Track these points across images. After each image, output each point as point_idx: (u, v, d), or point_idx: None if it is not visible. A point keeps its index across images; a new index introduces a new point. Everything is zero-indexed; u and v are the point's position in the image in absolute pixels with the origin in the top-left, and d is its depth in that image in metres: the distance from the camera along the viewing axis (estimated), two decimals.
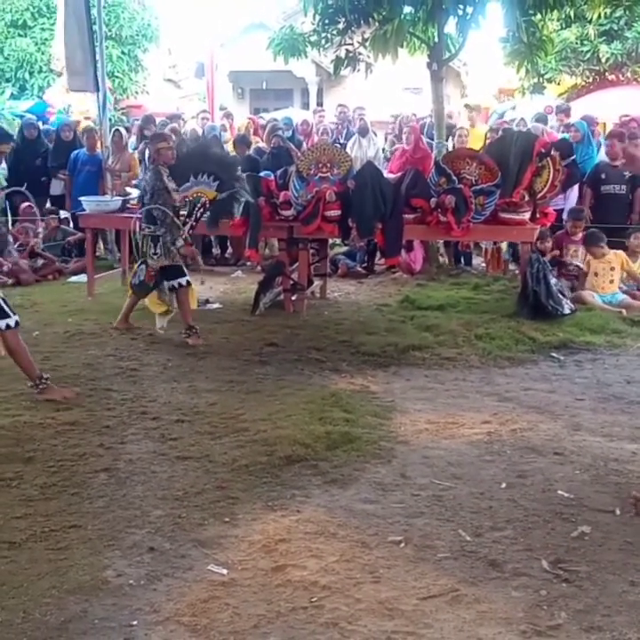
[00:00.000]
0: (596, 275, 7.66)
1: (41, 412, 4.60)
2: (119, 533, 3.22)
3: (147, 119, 10.96)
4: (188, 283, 6.35)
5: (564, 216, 8.70)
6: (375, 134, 11.46)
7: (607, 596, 2.79)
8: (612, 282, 7.62)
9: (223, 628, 2.61)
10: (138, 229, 6.37)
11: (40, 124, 11.61)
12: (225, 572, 2.94)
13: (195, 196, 6.46)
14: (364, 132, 10.93)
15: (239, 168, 6.93)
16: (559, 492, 3.62)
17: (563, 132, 9.75)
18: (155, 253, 6.21)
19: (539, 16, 9.20)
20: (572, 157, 7.44)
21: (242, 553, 3.08)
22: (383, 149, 11.25)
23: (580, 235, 8.06)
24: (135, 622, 2.63)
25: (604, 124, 11.11)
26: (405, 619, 2.66)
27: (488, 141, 9.68)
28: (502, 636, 2.57)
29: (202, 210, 6.48)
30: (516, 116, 11.74)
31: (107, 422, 4.48)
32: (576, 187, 8.72)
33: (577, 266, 7.88)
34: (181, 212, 6.36)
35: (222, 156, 7.03)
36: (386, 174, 8.70)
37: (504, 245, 8.60)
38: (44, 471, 3.80)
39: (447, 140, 9.52)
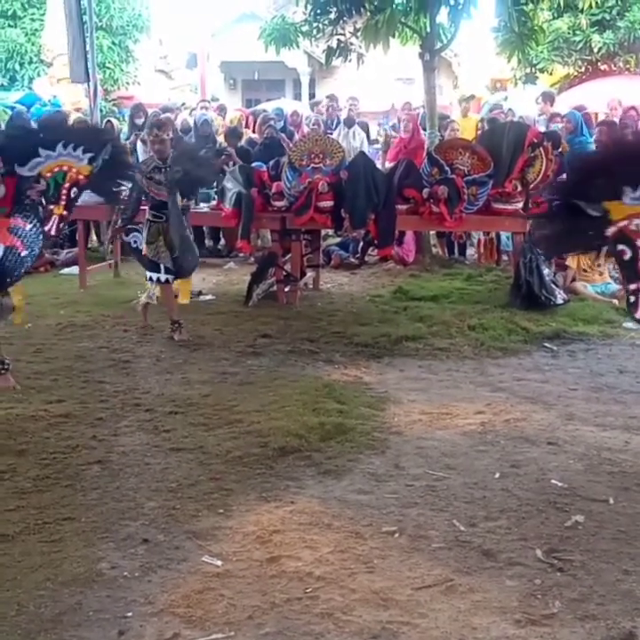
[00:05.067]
0: (584, 271, 7.66)
1: (33, 404, 4.59)
2: (113, 525, 3.21)
3: (136, 108, 10.90)
4: (166, 280, 6.10)
5: None
6: (367, 126, 11.45)
7: (601, 584, 2.80)
8: (601, 274, 7.63)
9: (218, 619, 2.60)
10: None
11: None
12: (219, 563, 2.94)
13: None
14: (350, 122, 10.91)
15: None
16: (553, 481, 3.63)
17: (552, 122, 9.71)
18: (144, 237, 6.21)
19: (530, 5, 9.19)
20: (559, 150, 7.44)
21: (236, 544, 3.07)
22: (376, 140, 11.24)
23: None
24: (130, 614, 2.62)
25: (596, 114, 11.08)
26: (400, 609, 2.66)
27: (479, 132, 9.71)
28: (497, 625, 2.57)
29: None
30: (508, 106, 11.73)
31: (100, 414, 4.47)
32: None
33: None
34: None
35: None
36: (386, 164, 8.71)
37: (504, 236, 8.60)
38: (37, 464, 3.79)
39: (439, 131, 9.51)
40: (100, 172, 5.10)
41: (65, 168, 4.87)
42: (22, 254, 4.68)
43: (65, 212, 4.94)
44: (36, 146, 4.80)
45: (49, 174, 4.82)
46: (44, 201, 4.84)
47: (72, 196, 4.97)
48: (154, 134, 6.22)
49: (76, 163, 4.93)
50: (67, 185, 4.89)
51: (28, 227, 4.77)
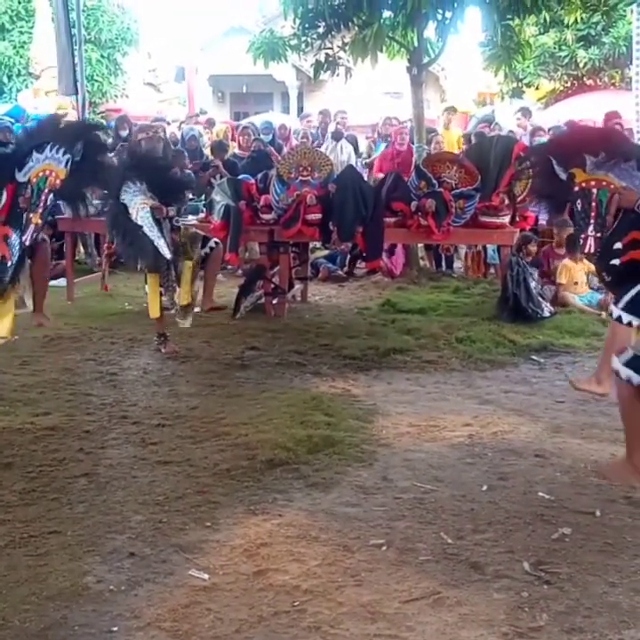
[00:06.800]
0: (575, 284, 7.71)
1: (20, 417, 4.56)
2: (99, 539, 3.19)
3: (121, 119, 10.92)
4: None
5: (541, 220, 8.76)
6: (356, 139, 11.50)
7: (588, 597, 2.80)
8: (586, 284, 7.70)
9: (205, 633, 2.59)
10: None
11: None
12: (206, 576, 2.92)
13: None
14: (338, 136, 10.96)
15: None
16: (540, 494, 3.64)
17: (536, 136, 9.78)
18: None
19: (516, 20, 9.27)
20: None
21: (223, 557, 3.06)
22: (360, 154, 11.29)
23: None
24: (116, 628, 2.61)
25: None
26: (387, 622, 2.65)
27: (465, 146, 9.79)
28: (484, 638, 2.57)
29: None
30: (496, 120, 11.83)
31: (87, 427, 4.45)
32: None
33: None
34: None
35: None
36: (375, 176, 8.72)
37: (490, 249, 8.66)
38: (23, 477, 3.77)
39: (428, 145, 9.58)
40: (71, 176, 4.53)
41: (47, 172, 4.46)
42: (8, 265, 4.43)
43: (40, 221, 4.51)
44: (31, 148, 4.47)
45: (35, 180, 4.43)
46: (26, 210, 4.45)
47: (48, 203, 4.54)
48: (139, 137, 6.18)
49: (56, 165, 4.50)
50: (46, 191, 4.46)
51: (14, 237, 4.46)
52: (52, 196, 4.53)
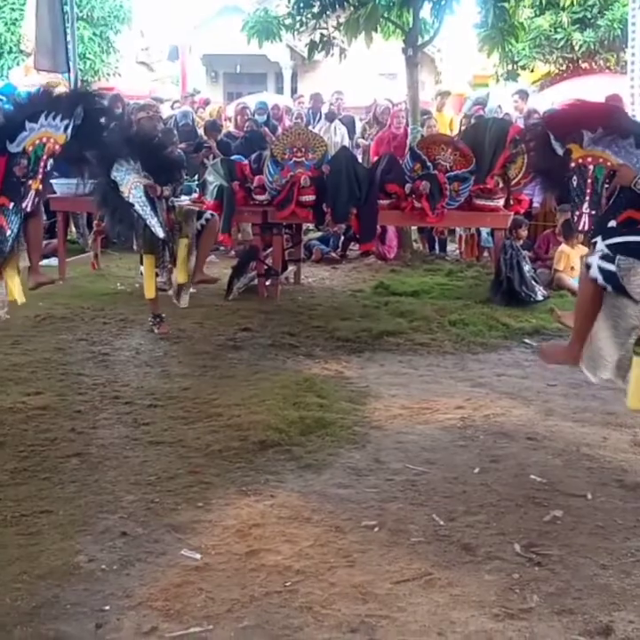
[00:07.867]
0: (572, 269, 7.71)
1: (11, 396, 4.55)
2: (91, 518, 3.19)
3: (114, 98, 10.80)
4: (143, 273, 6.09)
5: (535, 203, 8.75)
6: (353, 120, 11.46)
7: (578, 579, 2.82)
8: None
9: (196, 612, 2.59)
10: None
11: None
12: (198, 556, 2.93)
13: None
14: (332, 117, 10.90)
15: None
16: (532, 476, 3.65)
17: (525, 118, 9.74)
18: None
19: (511, 2, 9.22)
20: None
21: (215, 538, 3.06)
22: (353, 136, 11.25)
23: None
24: (107, 607, 2.61)
25: None
26: (379, 602, 2.66)
27: (463, 128, 9.75)
28: (475, 619, 2.58)
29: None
30: (493, 103, 11.79)
31: (78, 407, 4.44)
32: None
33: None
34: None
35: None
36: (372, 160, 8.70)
37: (484, 232, 8.64)
38: (15, 456, 3.76)
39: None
40: (73, 140, 4.55)
41: (44, 140, 4.44)
42: (6, 234, 4.42)
43: (40, 187, 4.53)
44: (23, 119, 4.41)
45: (31, 148, 4.41)
46: (23, 178, 4.43)
47: (48, 168, 4.54)
48: (139, 116, 6.12)
49: (53, 132, 4.49)
50: (45, 157, 4.46)
51: (11, 206, 4.45)
52: (51, 160, 4.53)
